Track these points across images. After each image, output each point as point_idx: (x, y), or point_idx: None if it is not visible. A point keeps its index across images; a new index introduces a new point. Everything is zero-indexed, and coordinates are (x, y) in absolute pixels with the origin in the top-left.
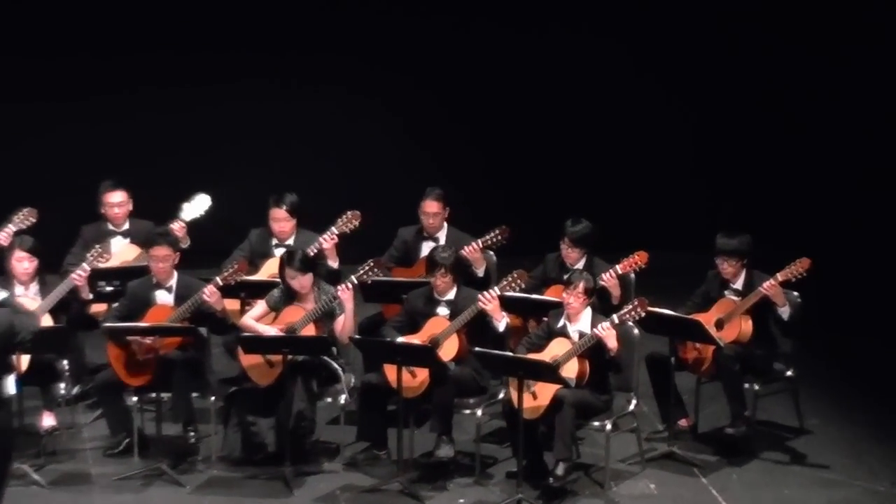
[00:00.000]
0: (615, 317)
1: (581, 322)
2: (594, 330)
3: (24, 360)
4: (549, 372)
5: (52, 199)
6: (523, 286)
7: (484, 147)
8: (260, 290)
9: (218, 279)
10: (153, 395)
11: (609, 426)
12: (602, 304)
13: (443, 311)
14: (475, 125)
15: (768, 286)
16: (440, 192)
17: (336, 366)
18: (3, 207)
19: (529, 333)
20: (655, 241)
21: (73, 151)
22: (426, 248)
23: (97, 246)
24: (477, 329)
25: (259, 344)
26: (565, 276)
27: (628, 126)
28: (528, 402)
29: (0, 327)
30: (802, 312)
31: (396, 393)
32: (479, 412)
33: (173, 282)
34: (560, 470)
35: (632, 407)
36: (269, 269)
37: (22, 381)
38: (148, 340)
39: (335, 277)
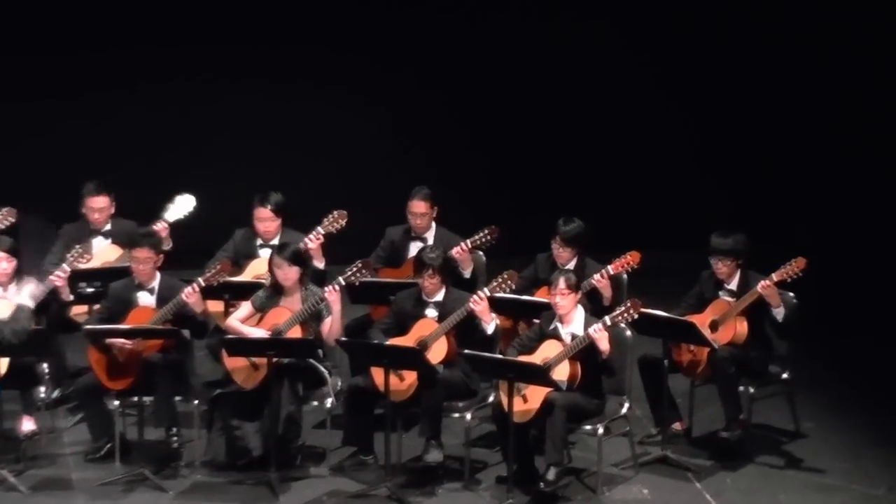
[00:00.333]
0: (607, 318)
1: (573, 324)
2: (586, 332)
3: (3, 364)
4: (539, 375)
5: (31, 198)
6: (513, 287)
7: (473, 145)
8: (244, 291)
9: (200, 280)
10: (135, 398)
11: (601, 430)
12: (594, 306)
13: (431, 312)
14: (464, 123)
15: (763, 286)
16: (428, 192)
17: (322, 369)
18: None
19: (520, 335)
20: (648, 240)
21: (53, 151)
22: (414, 248)
23: (78, 246)
24: (466, 331)
25: (244, 346)
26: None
27: (620, 123)
28: (518, 405)
29: None
30: (798, 313)
31: (384, 396)
32: (469, 416)
33: (156, 283)
34: (551, 475)
35: (624, 410)
36: (253, 270)
37: (1, 384)
38: (128, 344)
39: (321, 278)
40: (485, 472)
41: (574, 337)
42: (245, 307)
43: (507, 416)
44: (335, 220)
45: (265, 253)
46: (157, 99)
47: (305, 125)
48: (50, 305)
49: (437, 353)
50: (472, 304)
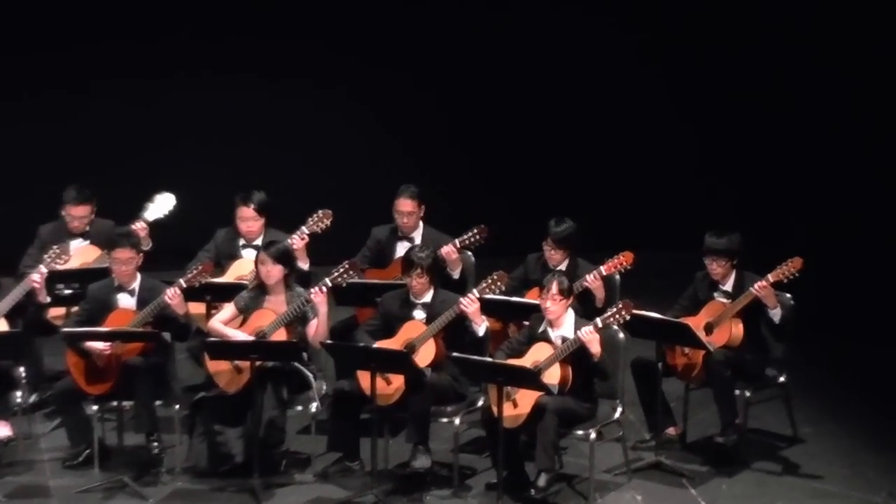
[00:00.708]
0: (599, 320)
1: (564, 326)
2: (577, 334)
3: None
4: (530, 378)
5: (8, 198)
6: (503, 288)
7: (461, 142)
8: (226, 292)
9: (182, 281)
10: (114, 403)
11: (593, 435)
12: (586, 307)
13: (419, 314)
14: (452, 119)
15: (759, 287)
16: (415, 190)
17: (307, 372)
18: None
19: (510, 338)
20: (641, 240)
21: (29, 149)
22: (401, 248)
23: (55, 247)
24: (455, 333)
25: (226, 349)
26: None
27: (612, 122)
28: (508, 410)
29: None
30: (795, 315)
31: (370, 401)
32: (457, 421)
33: (136, 285)
34: (542, 481)
35: (617, 415)
36: (236, 271)
37: None
38: (106, 350)
39: (306, 279)
40: (474, 478)
41: (564, 339)
42: (228, 309)
43: (497, 421)
44: (320, 220)
45: (248, 253)
46: (137, 96)
47: (290, 122)
48: (27, 307)
49: (424, 356)
50: (463, 306)
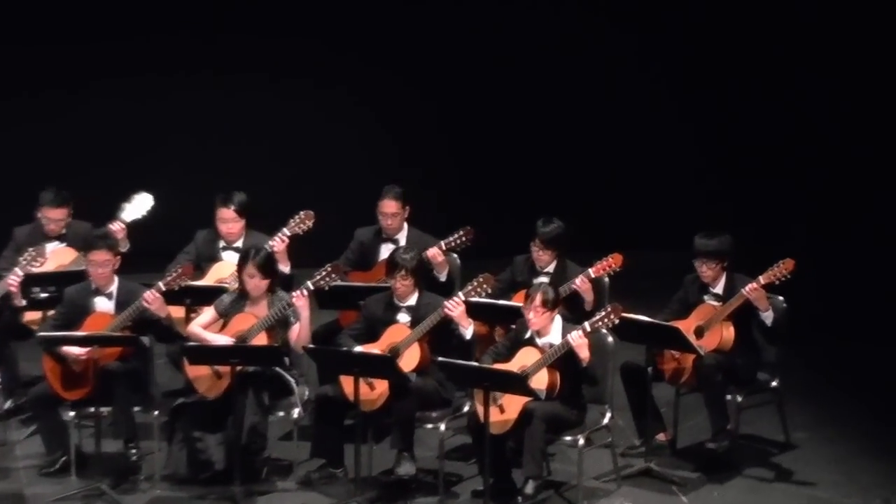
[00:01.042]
0: (587, 324)
1: (551, 333)
2: (566, 338)
3: None
4: (517, 383)
5: None
6: (489, 291)
7: (447, 141)
8: (206, 296)
9: (160, 284)
10: (92, 409)
11: (582, 441)
12: (574, 311)
13: (403, 317)
14: (437, 117)
15: (751, 290)
16: (399, 191)
17: (289, 377)
18: None
19: (496, 342)
20: (631, 242)
21: (4, 151)
22: (385, 250)
23: (31, 249)
24: (440, 337)
25: (206, 354)
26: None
27: (600, 121)
28: (494, 415)
29: None
30: (788, 317)
31: (354, 406)
32: (443, 427)
33: (113, 288)
34: (529, 488)
35: (606, 420)
36: (216, 274)
37: None
38: (82, 356)
39: (287, 283)
40: (460, 485)
41: (552, 345)
42: (208, 313)
43: (483, 427)
44: (302, 221)
45: (228, 256)
46: (113, 95)
47: (271, 121)
48: (2, 311)
49: (409, 360)
50: (447, 310)
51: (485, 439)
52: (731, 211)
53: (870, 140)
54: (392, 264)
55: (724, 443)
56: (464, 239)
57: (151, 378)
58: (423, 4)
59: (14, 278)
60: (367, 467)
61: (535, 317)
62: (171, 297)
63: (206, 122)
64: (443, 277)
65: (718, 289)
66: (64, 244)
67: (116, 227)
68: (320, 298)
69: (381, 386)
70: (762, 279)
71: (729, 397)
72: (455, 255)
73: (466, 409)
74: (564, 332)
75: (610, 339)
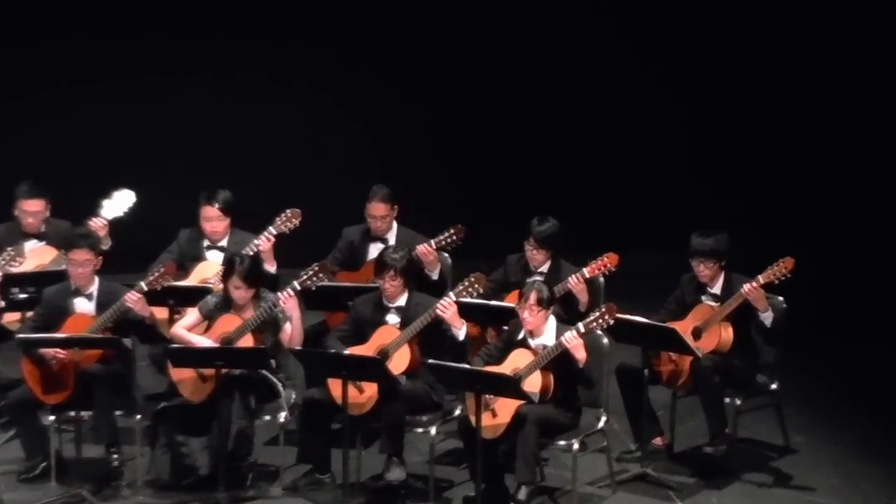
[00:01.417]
0: (582, 325)
1: (545, 334)
2: (560, 339)
3: None
4: (509, 386)
5: None
6: (481, 291)
7: (437, 137)
8: (190, 296)
9: (142, 284)
10: (72, 413)
11: (576, 445)
12: (569, 311)
13: (392, 318)
14: (427, 113)
15: (749, 289)
16: (387, 192)
17: (275, 380)
18: None
19: (488, 344)
20: (626, 241)
21: None
22: (374, 249)
23: (9, 248)
24: (430, 339)
25: (190, 356)
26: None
27: (595, 118)
28: (486, 419)
29: None
30: (787, 318)
31: (342, 410)
32: (433, 431)
33: (94, 288)
34: (522, 494)
35: (601, 424)
36: (200, 274)
37: None
38: (60, 354)
39: (273, 283)
40: (451, 491)
41: (546, 346)
42: (192, 314)
43: (475, 431)
44: (288, 220)
45: (212, 255)
46: (96, 95)
47: (257, 118)
48: None
49: (398, 362)
50: (439, 311)
51: (476, 444)
52: (728, 210)
53: (869, 140)
54: (381, 264)
55: (722, 447)
56: (455, 237)
57: (134, 381)
58: (411, 2)
59: None
60: (355, 473)
61: (529, 316)
62: (153, 297)
63: (191, 119)
64: (435, 276)
65: (716, 289)
66: (43, 243)
67: (98, 223)
68: (307, 299)
69: (370, 389)
70: (761, 278)
71: (727, 400)
72: (446, 255)
73: (458, 412)
74: (558, 333)
75: (605, 340)
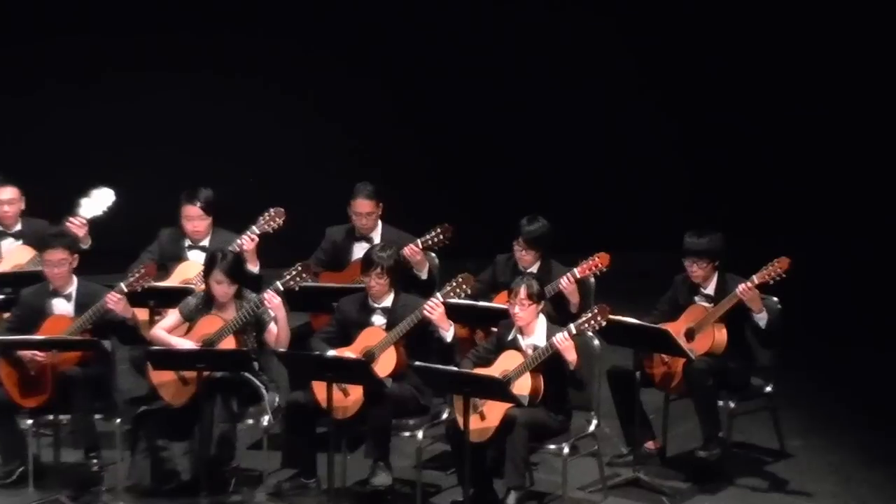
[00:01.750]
0: (573, 326)
1: (535, 334)
2: (551, 341)
3: None
4: (498, 389)
5: None
6: (469, 292)
7: (423, 135)
8: (171, 297)
9: (122, 285)
10: (50, 417)
11: (567, 449)
12: (559, 312)
13: (378, 319)
14: (414, 111)
15: (744, 290)
16: (372, 189)
17: (258, 383)
18: None
19: (476, 346)
20: (618, 241)
21: None
22: (358, 249)
23: None
24: (417, 340)
25: (171, 359)
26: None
27: (586, 115)
28: (475, 423)
29: None
30: (783, 319)
31: (326, 414)
32: (420, 434)
33: (72, 289)
34: (511, 499)
35: (592, 428)
36: (181, 274)
37: None
38: (38, 356)
39: (256, 283)
40: (438, 496)
41: (536, 347)
42: (172, 315)
43: (463, 435)
44: (271, 219)
45: (194, 255)
46: (72, 90)
47: (239, 116)
48: None
49: (384, 365)
50: (426, 312)
51: (465, 448)
52: (722, 209)
53: (868, 140)
54: (367, 262)
55: (716, 451)
56: (442, 237)
57: (113, 384)
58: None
59: None
60: (340, 478)
61: (520, 310)
62: (134, 298)
63: (172, 117)
64: (423, 275)
65: (710, 289)
66: (20, 242)
67: (78, 221)
68: (291, 300)
69: (356, 392)
70: (756, 279)
71: (721, 403)
72: (433, 254)
73: (445, 416)
74: (549, 334)
75: (596, 342)
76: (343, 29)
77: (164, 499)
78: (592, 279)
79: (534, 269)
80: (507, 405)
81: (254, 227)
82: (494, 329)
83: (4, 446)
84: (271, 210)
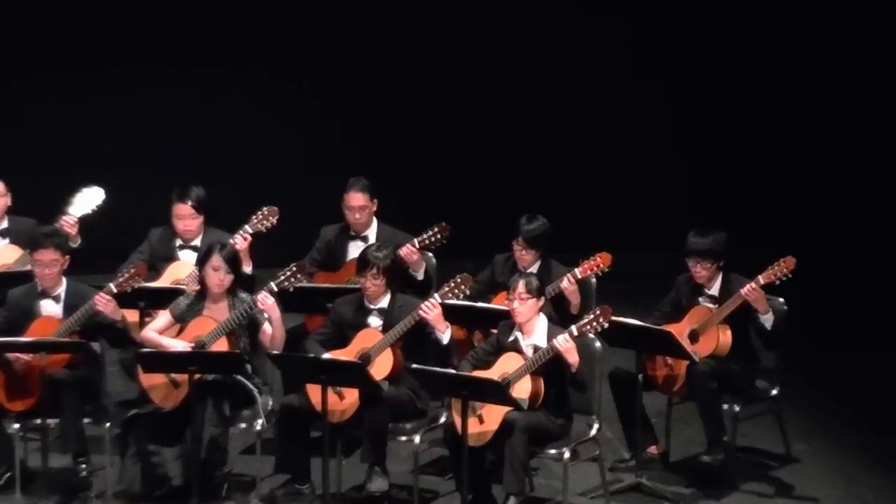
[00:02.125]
0: (574, 328)
1: (535, 334)
2: (552, 342)
3: None
4: (497, 392)
5: None
6: (467, 292)
7: (419, 132)
8: (161, 298)
9: (112, 286)
10: (38, 421)
11: (567, 454)
12: (560, 314)
13: (374, 321)
14: (410, 108)
15: (748, 290)
16: (366, 183)
17: (251, 386)
18: None
19: (475, 347)
20: (620, 240)
21: None
22: (353, 248)
23: None
24: (414, 342)
25: (161, 361)
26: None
27: (587, 112)
28: (473, 426)
29: None
30: (788, 321)
31: (321, 417)
32: (417, 439)
33: (61, 290)
34: None
35: (593, 432)
36: (172, 274)
37: None
38: (24, 357)
39: (249, 284)
40: (436, 502)
41: (536, 349)
42: (163, 316)
43: (461, 439)
44: (265, 218)
45: (185, 255)
46: (61, 85)
47: (232, 113)
48: None
49: (381, 367)
50: (422, 312)
51: (463, 452)
52: (727, 208)
53: (873, 139)
54: (363, 262)
55: (720, 456)
56: (439, 236)
57: (102, 387)
58: None
59: None
60: (335, 483)
61: (520, 306)
62: (123, 299)
63: (162, 115)
64: (420, 275)
65: (713, 290)
66: (6, 240)
67: (68, 220)
68: (285, 301)
69: (351, 395)
70: (761, 279)
71: (725, 406)
72: (430, 254)
73: (443, 419)
74: (550, 335)
75: (597, 344)
76: (337, 25)
77: None
78: (594, 279)
79: (533, 269)
80: (507, 409)
81: (247, 227)
82: (494, 331)
83: None
84: (265, 209)
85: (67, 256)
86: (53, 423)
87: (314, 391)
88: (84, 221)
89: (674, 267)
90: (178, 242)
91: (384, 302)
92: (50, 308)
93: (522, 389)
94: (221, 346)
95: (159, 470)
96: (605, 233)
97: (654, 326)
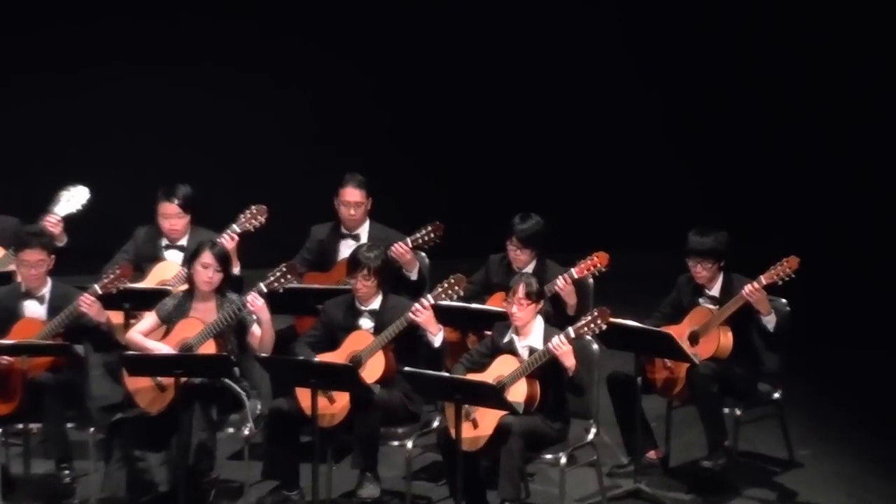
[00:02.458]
0: (571, 330)
1: (532, 336)
2: (548, 345)
3: None
4: (492, 395)
5: None
6: (461, 293)
7: (412, 130)
8: (147, 299)
9: (97, 287)
10: (20, 425)
11: (564, 459)
12: (556, 315)
13: (366, 323)
14: (403, 105)
15: (750, 291)
16: (362, 179)
17: (239, 390)
18: None
19: (469, 350)
20: (617, 240)
21: None
22: (345, 248)
23: None
24: (407, 345)
25: (147, 364)
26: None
27: (583, 110)
28: (467, 431)
29: None
30: (791, 322)
31: (311, 422)
32: (410, 444)
33: (46, 290)
34: None
35: (591, 436)
36: (158, 275)
37: None
38: (5, 359)
39: (237, 285)
40: None
41: (532, 351)
42: (149, 318)
43: (455, 444)
44: (253, 217)
45: (171, 255)
46: (45, 82)
47: (220, 110)
48: None
49: (372, 370)
50: (413, 314)
51: (456, 458)
52: (728, 207)
53: (870, 140)
54: (354, 262)
55: (721, 461)
56: (433, 235)
57: (87, 391)
58: None
59: None
60: (325, 489)
61: (518, 310)
62: (108, 301)
63: (148, 111)
64: (414, 276)
65: (714, 291)
66: None
67: (52, 219)
68: (274, 302)
69: (342, 399)
70: (763, 279)
71: (726, 410)
72: (423, 254)
73: (436, 424)
74: (546, 336)
75: (595, 346)
76: (329, 23)
77: None
78: (591, 280)
79: (529, 269)
80: (502, 413)
81: (234, 226)
82: (488, 333)
83: None
84: (253, 207)
85: (53, 256)
86: (36, 428)
87: (304, 395)
88: (68, 221)
89: (674, 267)
90: (164, 242)
91: (376, 303)
92: (34, 309)
93: (518, 393)
94: (209, 348)
95: (145, 476)
96: (603, 232)
97: (653, 328)
